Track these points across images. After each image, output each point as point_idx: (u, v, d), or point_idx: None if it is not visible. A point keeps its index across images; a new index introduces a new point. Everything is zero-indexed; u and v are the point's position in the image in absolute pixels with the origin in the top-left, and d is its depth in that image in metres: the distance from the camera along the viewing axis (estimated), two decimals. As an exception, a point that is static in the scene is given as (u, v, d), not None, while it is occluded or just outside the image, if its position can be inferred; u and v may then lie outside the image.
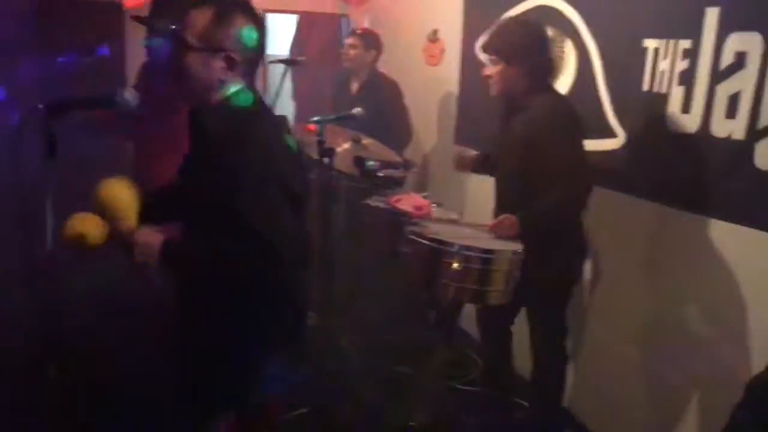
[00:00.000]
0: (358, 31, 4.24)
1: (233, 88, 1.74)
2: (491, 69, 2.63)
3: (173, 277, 1.93)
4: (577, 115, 2.61)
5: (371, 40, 4.20)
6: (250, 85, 1.79)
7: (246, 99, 1.74)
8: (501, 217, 2.55)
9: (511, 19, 2.73)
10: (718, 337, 2.47)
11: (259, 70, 4.53)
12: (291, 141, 1.82)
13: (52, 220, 1.74)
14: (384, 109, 4.02)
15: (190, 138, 1.80)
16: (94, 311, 2.96)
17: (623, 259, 2.90)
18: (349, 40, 4.21)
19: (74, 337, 2.09)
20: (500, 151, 2.80)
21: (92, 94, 1.71)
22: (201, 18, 1.67)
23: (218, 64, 1.68)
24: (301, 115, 5.53)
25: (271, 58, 5.61)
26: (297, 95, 5.67)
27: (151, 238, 1.72)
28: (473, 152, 3.07)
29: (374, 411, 3.05)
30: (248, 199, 1.63)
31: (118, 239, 1.76)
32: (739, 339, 2.36)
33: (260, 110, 1.79)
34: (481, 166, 3.00)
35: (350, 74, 4.31)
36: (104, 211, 1.76)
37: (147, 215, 1.84)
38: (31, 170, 1.69)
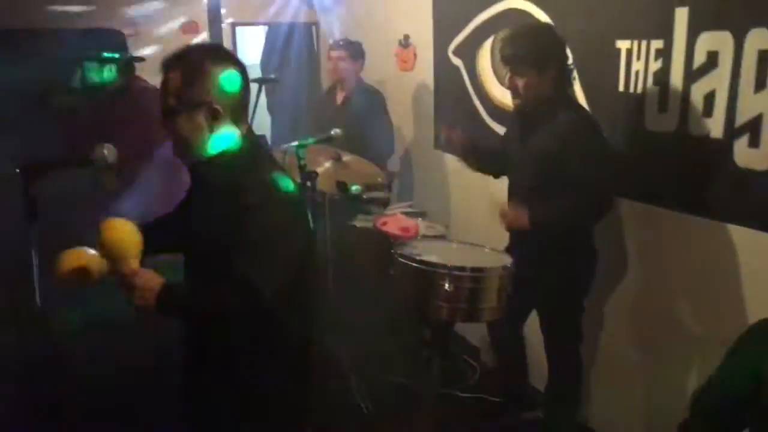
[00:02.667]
0: (342, 43, 4.15)
1: (227, 139, 1.71)
2: (518, 81, 2.55)
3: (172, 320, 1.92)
4: (600, 128, 2.60)
5: (357, 51, 4.15)
6: (246, 129, 1.76)
7: (239, 148, 1.73)
8: (510, 213, 2.54)
9: (524, 26, 2.67)
10: (706, 333, 2.50)
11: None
12: (288, 183, 1.79)
13: (38, 274, 1.73)
14: (370, 120, 4.01)
15: (191, 190, 1.82)
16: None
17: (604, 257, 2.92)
18: (335, 53, 4.12)
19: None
20: (516, 163, 2.75)
21: (69, 153, 1.68)
22: (174, 79, 1.66)
23: (203, 118, 1.67)
24: (279, 128, 5.51)
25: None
26: (273, 108, 5.64)
27: (151, 282, 1.68)
28: (461, 132, 2.98)
29: (374, 423, 3.07)
30: (243, 249, 1.62)
31: (118, 280, 1.72)
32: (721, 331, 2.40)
33: (258, 158, 1.77)
34: (468, 153, 2.94)
35: (336, 84, 4.28)
36: (107, 251, 1.73)
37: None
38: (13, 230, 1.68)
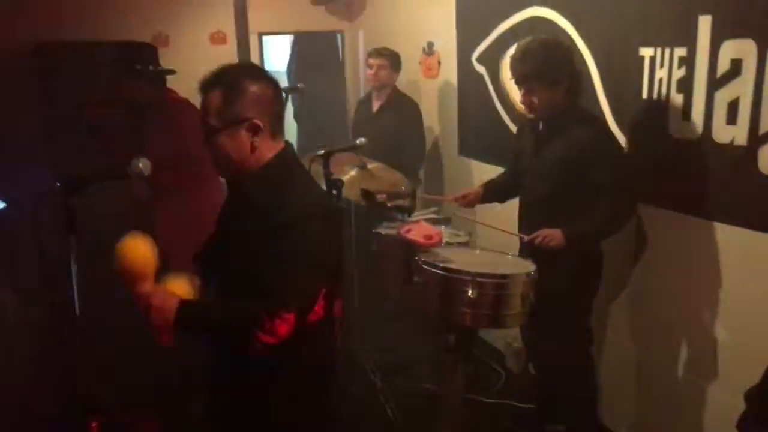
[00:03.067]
0: (384, 51, 4.18)
1: (268, 153, 1.76)
2: (531, 97, 2.62)
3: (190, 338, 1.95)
4: (614, 136, 2.68)
5: (397, 60, 4.20)
6: (283, 141, 1.81)
7: (278, 161, 1.77)
8: (543, 231, 2.58)
9: (535, 41, 2.68)
10: (728, 338, 2.50)
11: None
12: (323, 197, 1.83)
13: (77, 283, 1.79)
14: (404, 131, 4.07)
15: (229, 204, 1.87)
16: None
17: (627, 263, 2.92)
18: (377, 61, 4.16)
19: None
20: (530, 174, 2.80)
21: (104, 165, 1.76)
22: (213, 99, 1.72)
23: (244, 134, 1.72)
24: (305, 136, 5.59)
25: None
26: (299, 116, 5.73)
27: (167, 302, 1.70)
28: (473, 189, 3.13)
29: (400, 429, 3.10)
30: (273, 262, 1.65)
31: (136, 300, 1.74)
32: (744, 339, 2.40)
33: (295, 174, 1.81)
34: (486, 196, 3.07)
35: (372, 93, 4.34)
36: (123, 272, 1.74)
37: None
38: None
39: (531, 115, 2.74)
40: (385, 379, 3.42)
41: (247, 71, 1.77)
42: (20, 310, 2.76)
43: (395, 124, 4.02)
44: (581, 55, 3.05)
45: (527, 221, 2.79)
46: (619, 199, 2.58)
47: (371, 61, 4.18)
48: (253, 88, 1.73)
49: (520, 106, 3.14)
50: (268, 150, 1.76)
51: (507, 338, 3.76)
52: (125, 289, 1.74)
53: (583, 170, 2.55)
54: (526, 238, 2.64)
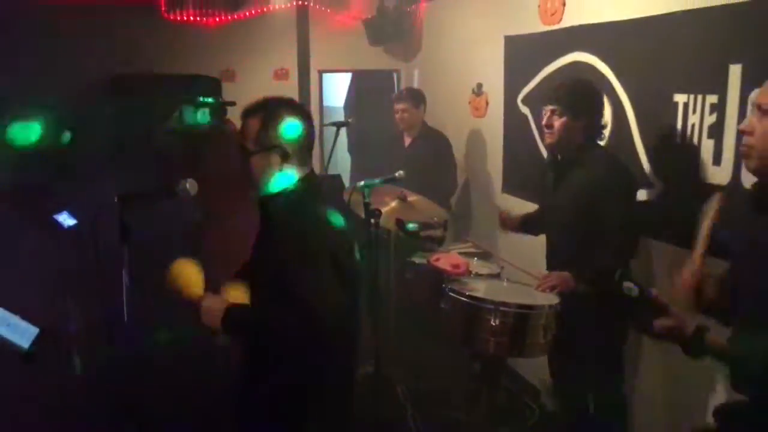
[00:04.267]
0: (404, 94, 4.53)
1: (293, 178, 1.96)
2: (554, 119, 2.80)
3: (236, 340, 2.14)
4: (631, 172, 2.80)
5: (418, 98, 4.52)
6: (309, 169, 2.01)
7: (300, 185, 1.96)
8: (554, 273, 2.68)
9: (575, 78, 2.98)
10: None
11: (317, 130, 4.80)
12: (338, 218, 2.01)
13: (128, 291, 1.99)
14: (433, 161, 4.26)
15: (260, 223, 2.05)
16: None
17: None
18: (399, 105, 4.50)
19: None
20: (551, 205, 2.94)
21: (158, 185, 1.97)
22: (253, 125, 1.94)
23: (275, 159, 1.93)
24: (359, 169, 5.78)
25: (327, 114, 5.96)
26: (353, 149, 5.94)
27: (216, 304, 1.94)
28: (517, 213, 3.26)
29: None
30: (301, 275, 1.84)
31: (189, 305, 1.98)
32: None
33: (315, 196, 2.00)
34: (522, 226, 3.18)
35: (404, 130, 4.60)
36: (176, 284, 2.00)
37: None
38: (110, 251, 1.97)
39: (548, 139, 2.88)
40: (416, 406, 3.49)
41: (286, 103, 1.99)
42: (81, 319, 3.01)
43: (425, 156, 4.25)
44: (619, 99, 3.14)
45: (551, 254, 2.90)
46: (623, 234, 2.66)
47: (396, 106, 4.51)
48: (289, 119, 1.94)
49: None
50: (293, 175, 1.96)
51: (543, 374, 3.78)
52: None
53: (599, 204, 2.65)
54: (540, 287, 2.71)
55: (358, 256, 2.06)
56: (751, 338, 1.60)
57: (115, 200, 1.86)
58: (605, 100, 3.22)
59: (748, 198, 1.88)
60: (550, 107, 2.80)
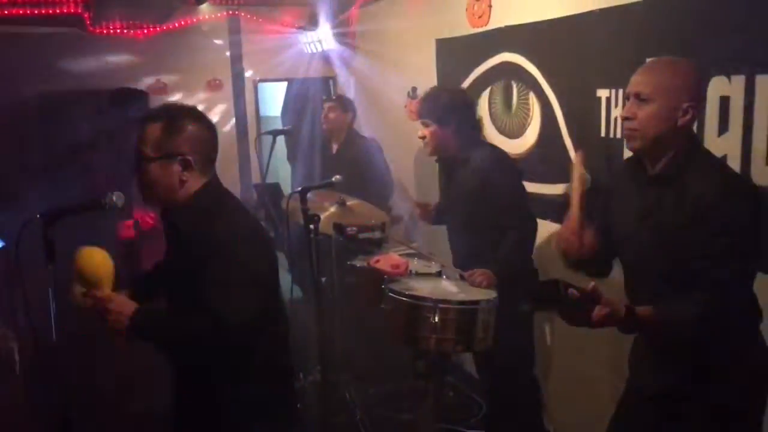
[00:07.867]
0: (335, 96, 4.56)
1: (195, 187, 1.91)
2: (425, 131, 2.94)
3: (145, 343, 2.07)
4: (513, 160, 2.98)
5: (347, 104, 4.56)
6: (212, 178, 1.96)
7: (205, 195, 1.92)
8: (476, 270, 2.73)
9: (437, 87, 3.24)
10: None
11: (252, 140, 4.80)
12: (253, 223, 2.00)
13: (55, 309, 1.91)
14: (364, 165, 4.29)
15: (164, 233, 2.00)
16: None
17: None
18: (328, 104, 4.55)
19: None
20: (447, 206, 3.09)
21: (81, 199, 1.91)
22: (153, 130, 1.87)
23: (176, 168, 1.87)
24: (298, 176, 5.76)
25: (263, 123, 5.92)
26: (292, 157, 5.91)
27: (123, 306, 1.84)
28: (431, 203, 3.35)
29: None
30: (210, 284, 1.79)
31: (93, 305, 1.87)
32: None
33: (222, 202, 1.95)
34: (436, 216, 3.28)
35: (330, 136, 4.63)
36: (81, 278, 1.88)
37: (137, 292, 2.03)
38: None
39: (426, 150, 3.03)
40: (364, 409, 3.50)
41: (189, 111, 1.94)
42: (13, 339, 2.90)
43: (354, 161, 4.26)
44: (547, 96, 3.24)
45: (451, 247, 3.07)
46: (522, 221, 2.82)
47: (325, 105, 4.59)
48: (191, 128, 1.88)
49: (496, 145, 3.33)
50: (194, 184, 1.90)
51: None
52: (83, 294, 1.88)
53: (487, 196, 2.80)
54: (465, 275, 2.77)
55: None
56: (675, 301, 1.74)
57: (38, 217, 1.79)
58: (533, 98, 3.33)
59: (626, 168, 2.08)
60: (420, 121, 2.97)
